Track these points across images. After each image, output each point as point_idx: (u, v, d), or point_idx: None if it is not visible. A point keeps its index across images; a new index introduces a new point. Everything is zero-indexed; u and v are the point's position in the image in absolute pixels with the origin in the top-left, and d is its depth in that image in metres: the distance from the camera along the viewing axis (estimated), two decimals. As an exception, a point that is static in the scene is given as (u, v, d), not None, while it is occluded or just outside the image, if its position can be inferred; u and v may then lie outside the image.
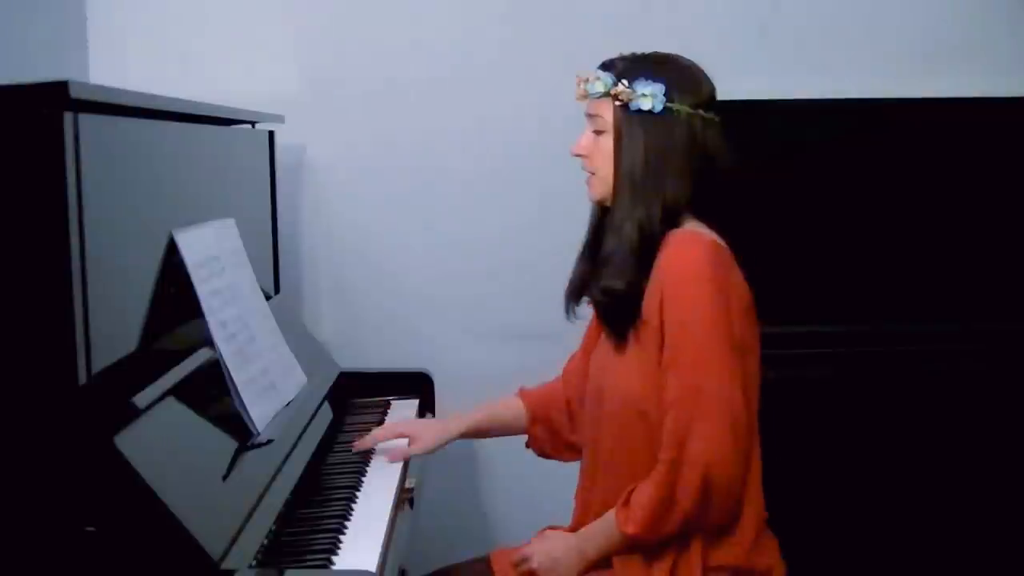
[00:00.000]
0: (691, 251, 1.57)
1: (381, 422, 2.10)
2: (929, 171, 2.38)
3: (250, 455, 1.54)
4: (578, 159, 1.71)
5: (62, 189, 1.20)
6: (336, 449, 1.93)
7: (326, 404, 2.00)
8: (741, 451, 1.53)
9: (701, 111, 1.63)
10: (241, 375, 1.61)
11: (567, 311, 1.77)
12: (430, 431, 1.91)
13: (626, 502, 1.57)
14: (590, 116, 1.69)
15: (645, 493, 1.55)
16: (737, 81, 2.24)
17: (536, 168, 2.44)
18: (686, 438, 1.52)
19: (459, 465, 2.51)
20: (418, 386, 2.27)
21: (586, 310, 1.76)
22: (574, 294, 1.76)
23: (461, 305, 2.53)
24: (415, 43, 2.47)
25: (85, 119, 1.23)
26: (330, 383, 2.08)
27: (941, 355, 2.32)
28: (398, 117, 2.47)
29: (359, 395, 2.24)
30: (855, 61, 2.48)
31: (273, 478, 1.55)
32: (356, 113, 2.47)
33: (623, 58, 1.68)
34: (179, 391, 1.46)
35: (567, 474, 1.84)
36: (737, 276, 1.61)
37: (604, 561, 1.62)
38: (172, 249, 1.53)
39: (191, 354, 1.56)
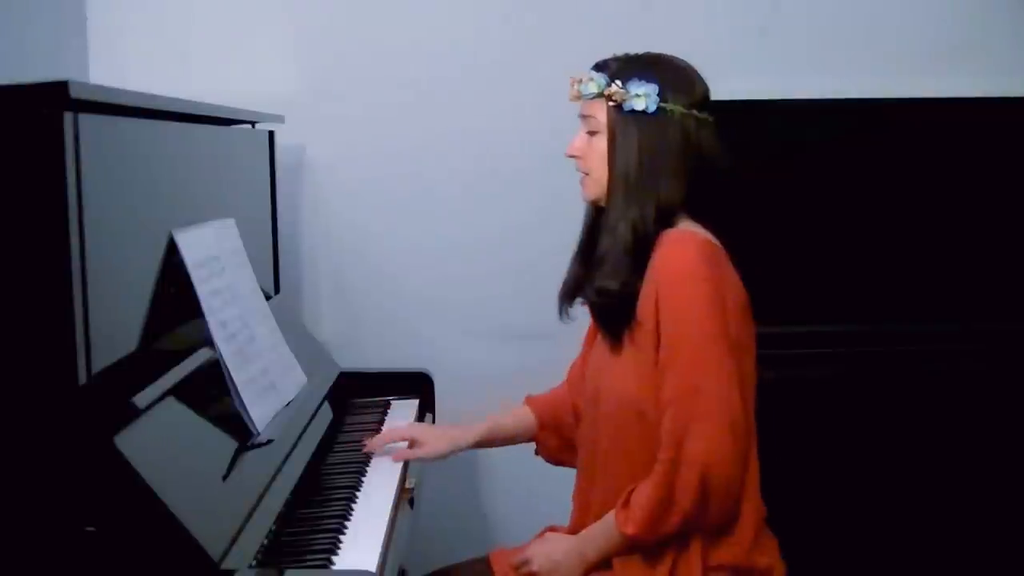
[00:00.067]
0: (685, 250, 1.57)
1: (381, 422, 2.10)
2: (929, 171, 2.38)
3: (250, 455, 1.54)
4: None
5: (62, 189, 1.20)
6: (336, 449, 1.93)
7: (326, 404, 2.00)
8: (739, 450, 1.53)
9: (695, 111, 1.63)
10: (241, 375, 1.61)
11: (560, 312, 1.77)
12: (441, 439, 1.91)
13: (626, 503, 1.57)
14: (584, 117, 1.69)
15: (644, 494, 1.55)
16: (737, 81, 2.25)
17: (536, 168, 2.44)
18: (684, 438, 1.51)
19: (459, 465, 2.50)
20: (418, 386, 2.27)
21: (578, 311, 1.76)
22: (568, 295, 1.76)
23: (461, 305, 2.53)
24: (415, 43, 2.47)
25: (85, 119, 1.23)
26: (330, 383, 2.08)
27: (941, 355, 2.32)
28: (398, 117, 2.47)
29: (359, 395, 2.24)
30: (855, 61, 2.48)
31: (273, 478, 1.55)
32: (356, 113, 2.47)
33: (616, 59, 1.68)
34: (179, 391, 1.46)
35: (566, 474, 1.84)
36: (732, 275, 1.62)
37: (604, 562, 1.62)
38: (172, 249, 1.53)
39: (191, 354, 1.56)
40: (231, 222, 1.79)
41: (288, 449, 1.66)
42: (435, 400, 2.28)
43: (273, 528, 1.47)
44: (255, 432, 1.59)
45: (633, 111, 1.62)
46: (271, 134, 2.26)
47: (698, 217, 1.65)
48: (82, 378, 1.24)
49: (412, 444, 1.90)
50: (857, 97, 2.39)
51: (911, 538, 2.34)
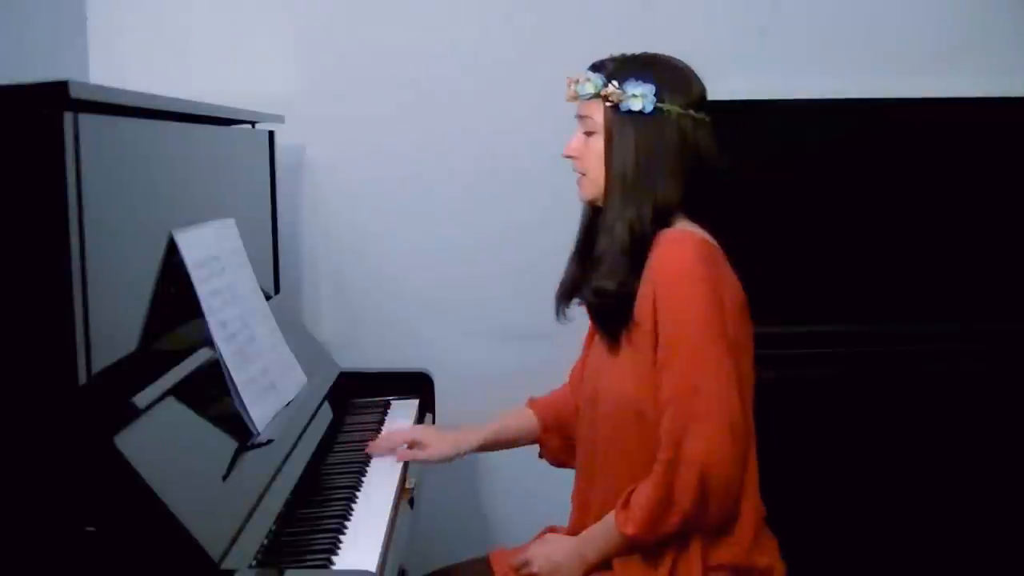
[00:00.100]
0: (682, 250, 1.57)
1: (381, 422, 2.10)
2: (929, 171, 2.38)
3: (250, 455, 1.54)
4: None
5: (62, 189, 1.20)
6: (336, 449, 1.93)
7: (326, 404, 1.99)
8: (739, 450, 1.53)
9: (691, 111, 1.63)
10: (241, 375, 1.61)
11: (557, 312, 1.77)
12: (445, 443, 1.91)
13: (625, 503, 1.57)
14: (581, 117, 1.69)
15: (643, 494, 1.55)
16: (737, 81, 2.26)
17: (536, 169, 2.43)
18: (683, 438, 1.51)
19: (459, 465, 2.48)
20: (418, 386, 2.27)
21: (575, 312, 1.76)
22: (565, 295, 1.76)
23: (461, 305, 2.53)
24: (415, 43, 2.47)
25: (85, 119, 1.23)
26: (330, 383, 2.08)
27: (941, 355, 2.32)
28: (398, 117, 2.47)
29: (359, 395, 2.24)
30: (855, 61, 2.48)
31: (273, 478, 1.55)
32: (356, 113, 2.47)
33: (613, 59, 1.68)
34: (179, 391, 1.46)
35: (565, 475, 1.84)
36: (729, 274, 1.62)
37: (605, 563, 1.62)
38: (172, 249, 1.53)
39: (191, 354, 1.56)
40: (231, 222, 1.79)
41: (288, 449, 1.66)
42: (435, 400, 2.28)
43: (273, 528, 1.47)
44: (255, 432, 1.59)
45: (630, 111, 1.62)
46: (271, 134, 2.26)
47: (695, 217, 1.65)
48: (82, 378, 1.24)
49: (414, 446, 1.90)
50: (857, 97, 2.39)
51: (911, 538, 2.34)
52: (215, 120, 1.96)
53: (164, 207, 1.56)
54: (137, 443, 1.27)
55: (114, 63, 2.41)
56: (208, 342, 1.57)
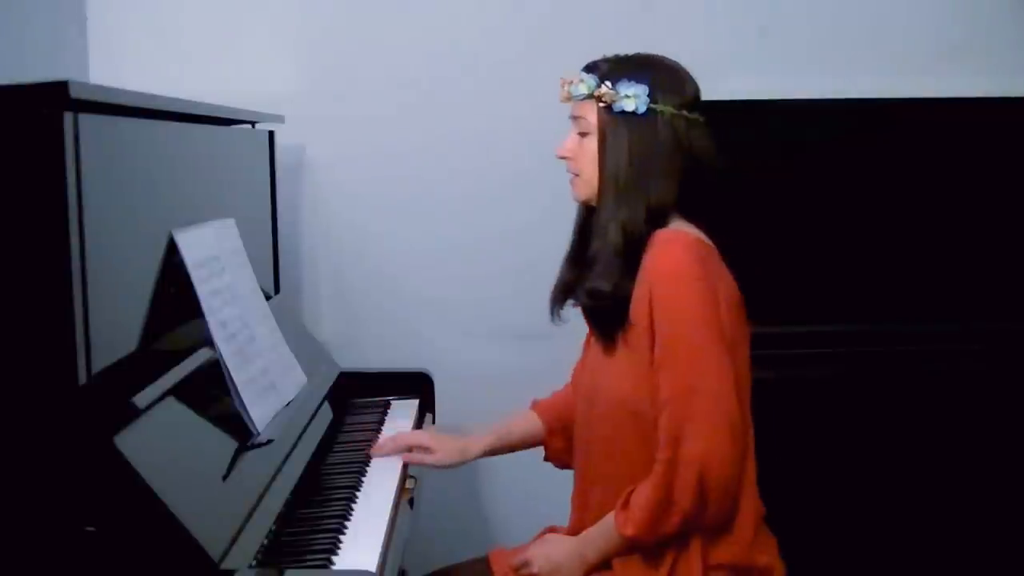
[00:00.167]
0: (676, 251, 1.57)
1: (381, 422, 2.10)
2: (930, 171, 2.38)
3: (250, 455, 1.54)
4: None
5: (62, 189, 1.20)
6: (336, 449, 1.93)
7: (326, 404, 1.99)
8: (737, 449, 1.53)
9: (685, 112, 1.63)
10: (241, 375, 1.61)
11: (552, 314, 1.76)
12: (451, 449, 1.89)
13: (625, 504, 1.57)
14: (574, 118, 1.69)
15: (643, 495, 1.55)
16: (737, 81, 2.26)
17: (536, 169, 2.42)
18: (681, 438, 1.51)
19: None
20: (418, 386, 2.27)
21: (570, 313, 1.76)
22: (560, 297, 1.76)
23: (461, 305, 2.53)
24: (415, 43, 2.47)
25: (85, 119, 1.23)
26: (330, 383, 2.08)
27: (941, 355, 2.32)
28: (398, 117, 2.47)
29: (359, 395, 2.24)
30: (856, 61, 2.48)
31: (273, 478, 1.55)
32: (356, 113, 2.47)
33: (606, 60, 1.68)
34: (179, 391, 1.46)
35: (565, 475, 1.84)
36: (724, 273, 1.62)
37: (605, 563, 1.62)
38: (172, 249, 1.53)
39: (191, 354, 1.56)
40: (231, 222, 1.79)
41: (288, 449, 1.66)
42: (435, 400, 2.28)
43: (273, 528, 1.47)
44: (255, 432, 1.59)
45: (623, 112, 1.62)
46: (271, 134, 2.26)
47: (691, 217, 1.65)
48: (82, 378, 1.24)
49: (414, 450, 1.90)
50: (857, 97, 2.39)
51: (911, 538, 2.34)
52: (215, 120, 1.96)
53: (164, 207, 1.56)
54: (137, 443, 1.27)
55: (114, 63, 2.41)
56: (208, 342, 1.57)
